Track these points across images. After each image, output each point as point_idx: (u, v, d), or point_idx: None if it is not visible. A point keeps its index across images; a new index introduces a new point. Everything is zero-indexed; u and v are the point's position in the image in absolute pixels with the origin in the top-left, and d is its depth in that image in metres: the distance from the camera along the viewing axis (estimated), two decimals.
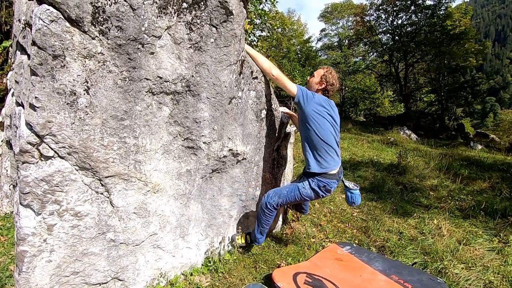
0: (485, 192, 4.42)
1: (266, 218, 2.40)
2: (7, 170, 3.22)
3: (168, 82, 1.76)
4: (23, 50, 1.55)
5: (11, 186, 3.09)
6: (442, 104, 17.23)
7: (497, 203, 3.80)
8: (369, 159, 6.43)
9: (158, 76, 1.71)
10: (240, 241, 2.54)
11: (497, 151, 9.32)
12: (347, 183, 2.49)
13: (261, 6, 5.32)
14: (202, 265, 2.36)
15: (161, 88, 1.75)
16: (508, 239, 2.88)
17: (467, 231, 3.13)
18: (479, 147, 10.32)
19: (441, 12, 16.19)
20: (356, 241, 2.94)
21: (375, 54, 20.84)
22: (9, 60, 3.66)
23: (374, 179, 4.94)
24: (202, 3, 1.77)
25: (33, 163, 1.44)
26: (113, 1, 1.43)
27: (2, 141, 3.30)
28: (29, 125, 1.39)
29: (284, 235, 3.03)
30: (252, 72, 2.34)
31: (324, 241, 2.96)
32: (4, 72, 3.71)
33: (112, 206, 1.73)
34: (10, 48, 3.52)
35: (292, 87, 2.32)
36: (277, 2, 5.30)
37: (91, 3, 1.37)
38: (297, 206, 2.99)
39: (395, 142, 9.46)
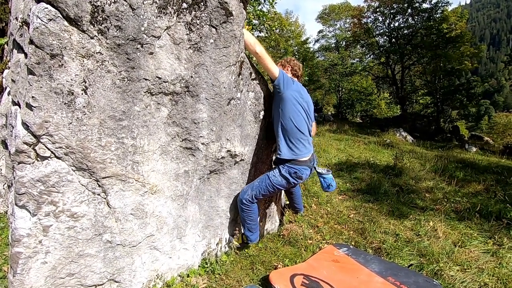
0: (480, 194, 4.45)
1: (246, 214, 2.41)
2: (1, 170, 3.18)
3: (167, 83, 1.75)
4: (20, 49, 1.53)
5: (6, 185, 3.05)
6: (437, 107, 17.37)
7: (492, 206, 3.83)
8: (366, 161, 6.45)
9: (157, 77, 1.70)
10: (237, 242, 2.55)
11: (491, 153, 9.42)
12: (319, 169, 2.54)
13: (259, 7, 5.32)
14: (199, 266, 2.34)
15: (160, 88, 1.74)
16: (502, 241, 2.90)
17: (462, 233, 3.15)
18: (474, 149, 10.42)
19: (437, 16, 16.34)
20: (352, 243, 2.95)
21: (372, 56, 20.96)
22: (5, 58, 3.62)
23: (371, 180, 4.95)
24: (202, 3, 1.76)
25: (29, 164, 1.42)
26: (113, 0, 1.41)
27: None
28: (25, 125, 1.37)
29: (281, 236, 3.03)
30: (251, 73, 2.34)
31: (321, 243, 2.96)
32: None
33: (109, 207, 1.72)
34: (5, 46, 3.48)
35: (274, 69, 2.27)
36: (275, 3, 5.31)
37: (90, 2, 1.36)
38: (290, 205, 3.00)
39: (391, 143, 9.51)
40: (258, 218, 2.56)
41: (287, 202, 3.33)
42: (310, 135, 2.51)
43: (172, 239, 2.10)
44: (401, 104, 18.74)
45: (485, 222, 3.38)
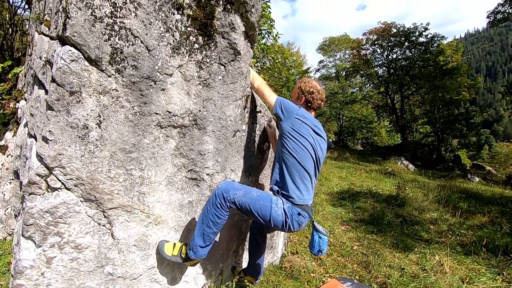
0: (485, 227, 4.38)
1: (212, 214, 1.79)
2: (4, 195, 3.19)
3: (176, 116, 1.83)
4: (41, 85, 1.62)
5: (8, 211, 3.05)
6: (438, 136, 17.54)
7: (498, 239, 3.76)
8: (368, 190, 6.41)
9: (167, 111, 1.78)
10: (170, 251, 1.85)
11: (494, 183, 9.36)
12: (318, 225, 2.01)
13: (263, 41, 5.60)
14: None
15: (169, 122, 1.82)
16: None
17: (470, 268, 3.07)
18: (477, 179, 10.36)
19: (433, 48, 17.03)
20: (357, 277, 2.87)
21: (371, 85, 21.56)
22: (18, 85, 3.76)
23: (374, 210, 4.90)
24: (212, 44, 1.89)
25: (39, 194, 1.45)
26: (131, 43, 1.53)
27: (2, 164, 3.30)
28: (39, 157, 1.42)
29: (283, 269, 2.96)
30: (256, 106, 2.43)
31: (324, 276, 2.88)
32: (12, 97, 3.80)
33: (113, 238, 1.72)
34: (20, 75, 3.64)
35: (271, 98, 2.08)
36: (279, 37, 5.61)
37: (111, 44, 1.47)
38: (249, 265, 2.41)
39: (393, 172, 9.48)
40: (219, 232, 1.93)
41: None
42: (316, 177, 2.03)
43: (173, 271, 2.06)
44: (401, 132, 18.94)
45: (493, 256, 3.31)
